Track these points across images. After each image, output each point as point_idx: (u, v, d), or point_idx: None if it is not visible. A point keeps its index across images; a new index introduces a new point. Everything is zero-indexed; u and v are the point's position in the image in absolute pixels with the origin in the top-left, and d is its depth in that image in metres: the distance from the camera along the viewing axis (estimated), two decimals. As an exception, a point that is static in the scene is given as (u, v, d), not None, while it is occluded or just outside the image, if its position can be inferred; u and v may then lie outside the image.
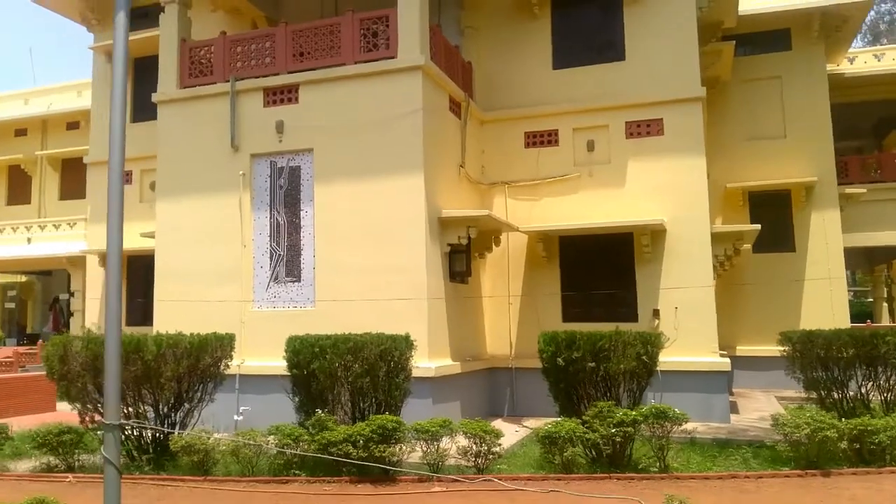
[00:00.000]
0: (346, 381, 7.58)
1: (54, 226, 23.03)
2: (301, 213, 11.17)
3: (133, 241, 15.61)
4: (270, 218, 11.35)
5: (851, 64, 20.21)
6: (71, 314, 22.05)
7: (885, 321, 22.49)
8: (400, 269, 10.37)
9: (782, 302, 16.60)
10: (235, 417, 10.45)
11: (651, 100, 12.31)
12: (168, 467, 7.50)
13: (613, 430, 7.12)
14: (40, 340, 22.16)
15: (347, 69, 11.03)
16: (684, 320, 11.69)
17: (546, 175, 12.83)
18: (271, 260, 11.29)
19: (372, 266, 10.53)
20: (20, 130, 27.06)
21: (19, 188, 27.13)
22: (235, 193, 11.46)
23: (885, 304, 22.85)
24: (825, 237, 17.05)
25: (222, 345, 7.78)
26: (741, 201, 17.39)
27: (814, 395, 10.40)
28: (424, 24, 10.84)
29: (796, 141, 17.28)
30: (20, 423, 9.60)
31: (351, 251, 10.68)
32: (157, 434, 7.72)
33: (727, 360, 11.70)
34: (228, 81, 11.64)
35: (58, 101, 26.85)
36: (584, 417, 7.38)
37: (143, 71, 16.33)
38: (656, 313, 11.93)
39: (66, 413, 14.03)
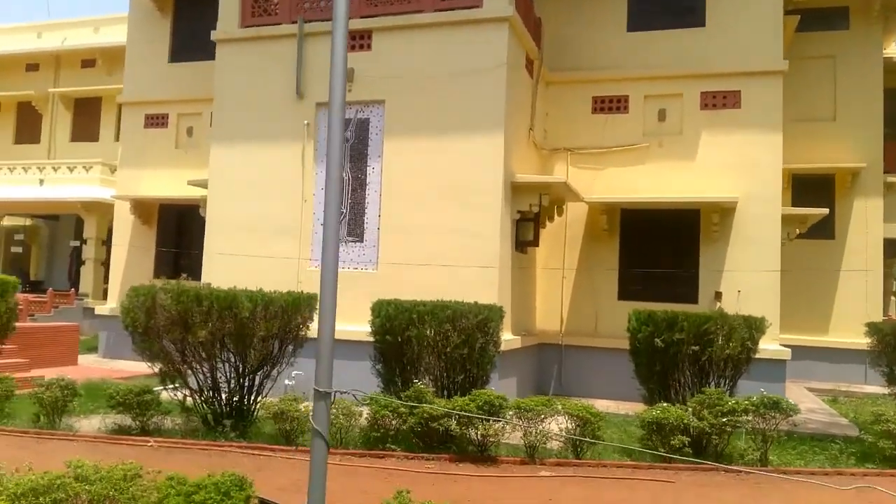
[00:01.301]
0: (444, 351, 7.14)
1: (69, 168, 22.21)
2: (368, 169, 10.61)
3: (166, 188, 15.02)
4: (333, 172, 10.76)
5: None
6: (82, 262, 21.43)
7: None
8: (471, 233, 9.89)
9: (817, 291, 16.28)
10: (286, 382, 10.01)
11: (730, 70, 11.78)
12: (250, 434, 7.07)
13: (724, 420, 6.76)
14: (49, 289, 21.50)
15: (426, 16, 10.37)
16: (746, 305, 11.27)
17: (613, 143, 12.31)
18: (332, 216, 10.73)
19: (441, 229, 10.04)
20: (32, 65, 25.96)
21: (28, 126, 26.12)
22: (298, 144, 10.85)
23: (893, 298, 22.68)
24: (866, 226, 16.70)
25: (310, 305, 7.30)
26: (784, 184, 16.88)
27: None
28: (512, -27, 10.19)
29: (846, 125, 16.77)
30: (47, 377, 9.10)
31: (419, 212, 10.17)
32: (234, 398, 7.26)
33: (787, 349, 11.40)
34: (295, 23, 10.94)
35: (73, 36, 25.75)
36: (689, 405, 6.99)
37: (183, 8, 15.57)
38: (718, 296, 11.57)
39: (89, 367, 13.63)
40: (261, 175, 10.98)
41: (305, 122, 10.80)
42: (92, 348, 16.16)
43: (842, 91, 16.83)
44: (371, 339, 8.07)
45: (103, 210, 21.06)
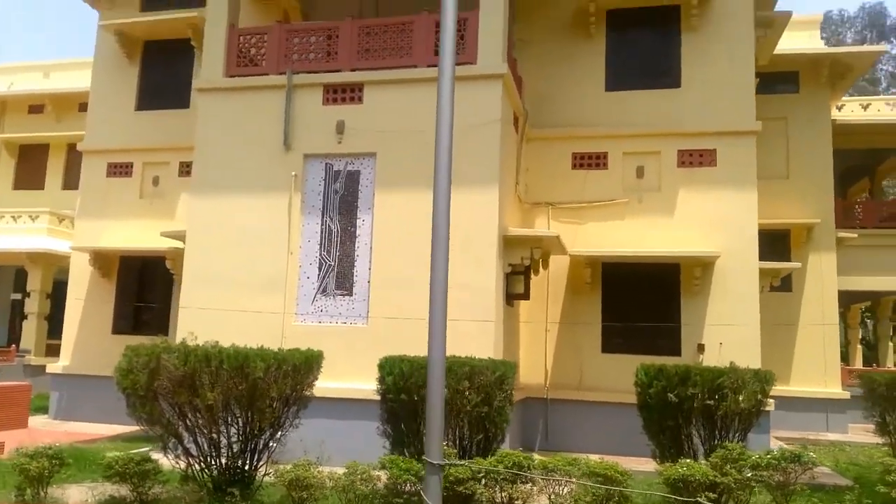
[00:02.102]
0: (464, 409, 6.90)
1: (13, 217, 21.13)
2: (357, 220, 10.41)
3: (128, 239, 14.42)
4: (322, 224, 10.53)
5: (839, 111, 20.90)
6: (24, 316, 20.27)
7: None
8: (466, 287, 9.73)
9: (778, 342, 16.64)
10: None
11: (705, 129, 12.18)
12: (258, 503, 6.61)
13: (749, 475, 6.71)
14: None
15: (420, 71, 10.40)
16: (728, 357, 11.38)
17: (593, 198, 12.49)
18: (320, 270, 10.45)
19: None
20: (-28, 110, 24.87)
21: (-36, 174, 24.85)
22: (284, 195, 10.59)
23: (859, 347, 23.59)
24: (821, 279, 17.37)
25: (318, 363, 6.97)
26: (745, 238, 17.56)
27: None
28: (505, 31, 10.36)
29: (799, 182, 17.56)
30: None
31: (411, 265, 9.97)
32: (238, 462, 6.81)
33: (772, 400, 11.55)
34: (281, 74, 10.81)
35: (21, 81, 24.90)
36: (710, 460, 6.93)
37: (152, 56, 15.25)
38: (701, 348, 11.72)
39: (41, 430, 12.67)
40: (243, 226, 10.64)
41: (293, 173, 10.57)
42: (39, 409, 15.11)
43: (794, 150, 17.68)
44: (374, 397, 7.77)
45: (49, 261, 20.11)
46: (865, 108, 22.13)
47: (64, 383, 14.50)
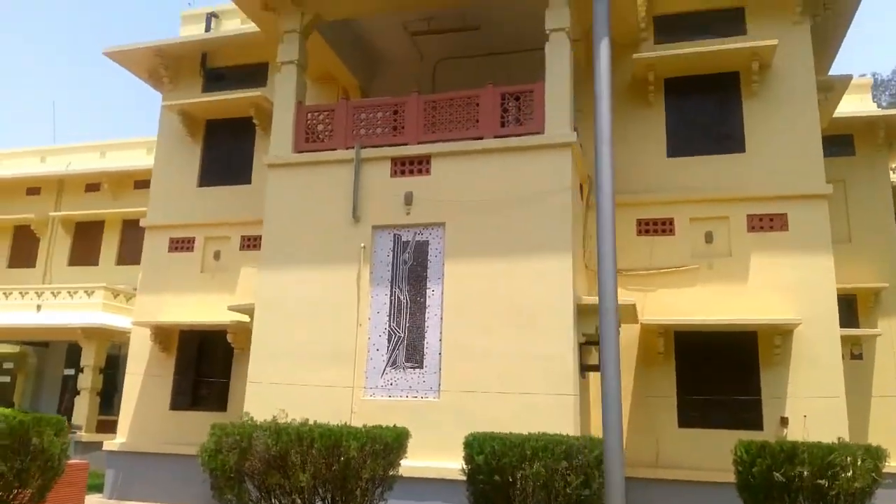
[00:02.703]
0: (563, 492, 6.52)
1: (69, 293, 21.48)
2: (427, 291, 10.27)
3: (188, 314, 14.43)
4: (391, 295, 10.41)
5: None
6: (77, 392, 20.30)
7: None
8: (543, 358, 9.47)
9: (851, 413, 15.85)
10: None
11: (773, 194, 11.92)
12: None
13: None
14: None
15: (487, 143, 10.44)
16: (814, 431, 10.87)
17: (661, 265, 12.20)
18: (389, 342, 10.27)
19: (509, 354, 9.61)
20: (33, 189, 25.79)
21: (25, 250, 25.53)
22: (353, 267, 10.53)
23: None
24: (893, 345, 16.62)
25: (405, 441, 6.70)
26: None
27: None
28: (571, 100, 10.40)
29: (862, 246, 17.06)
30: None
31: (484, 336, 9.76)
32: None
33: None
34: (349, 148, 10.94)
35: (78, 160, 25.82)
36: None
37: (213, 134, 15.64)
38: (784, 421, 11.14)
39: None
40: (312, 299, 10.56)
41: (362, 244, 10.53)
42: (92, 487, 14.87)
43: (854, 213, 17.24)
44: (452, 476, 7.46)
45: (104, 336, 20.30)
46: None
47: (120, 460, 14.31)
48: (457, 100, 10.83)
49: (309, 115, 11.49)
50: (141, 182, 25.02)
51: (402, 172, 10.73)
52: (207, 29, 16.39)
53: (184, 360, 14.55)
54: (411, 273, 10.40)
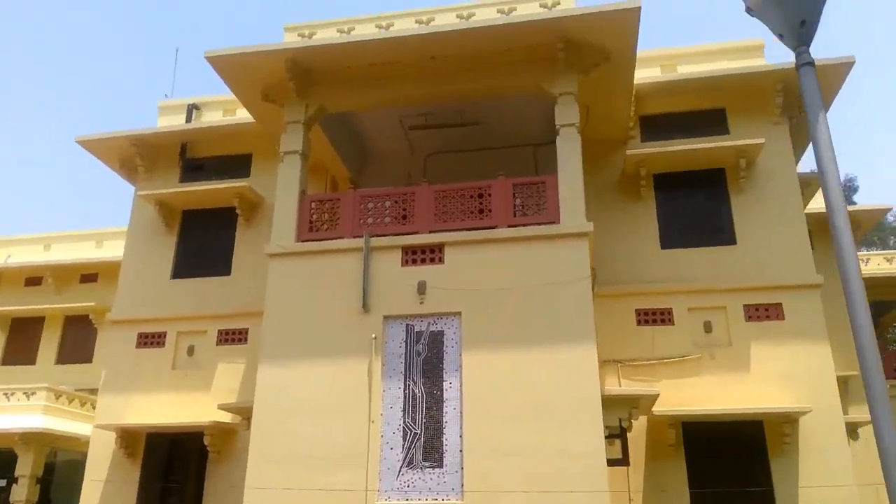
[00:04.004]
0: None
1: (5, 394, 19.66)
2: (444, 383, 9.81)
3: (158, 415, 13.38)
4: (405, 388, 9.89)
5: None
6: (10, 505, 18.26)
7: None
8: (572, 453, 9.06)
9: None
10: None
11: (767, 284, 12.22)
12: None
13: None
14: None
15: (501, 232, 10.36)
16: (828, 524, 10.74)
17: (662, 355, 12.17)
18: (405, 439, 9.66)
19: (536, 450, 9.16)
20: (-42, 285, 24.05)
21: (-54, 350, 23.52)
22: (362, 359, 10.02)
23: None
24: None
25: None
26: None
27: None
28: (582, 191, 10.51)
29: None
30: None
31: (508, 431, 9.31)
32: None
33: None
34: (356, 237, 10.65)
35: (18, 253, 24.44)
36: None
37: (191, 224, 15.10)
38: (799, 513, 10.94)
39: None
40: (319, 394, 9.93)
41: (373, 335, 10.07)
42: None
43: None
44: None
45: (43, 442, 18.56)
46: (866, 262, 22.91)
47: (72, 585, 12.73)
48: (468, 190, 10.80)
49: (313, 203, 11.21)
50: (88, 276, 23.85)
51: (414, 261, 10.47)
52: (188, 120, 16.11)
53: (151, 466, 13.34)
54: (426, 364, 9.96)
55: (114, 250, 23.81)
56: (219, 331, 13.96)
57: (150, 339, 14.21)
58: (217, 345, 13.88)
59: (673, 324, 12.39)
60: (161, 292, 14.50)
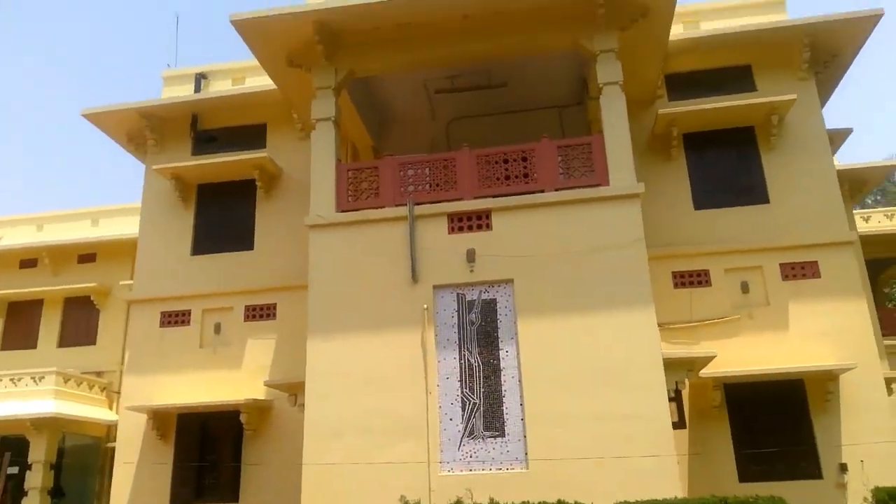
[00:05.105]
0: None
1: (12, 380, 19.17)
2: (500, 352, 9.67)
3: (188, 395, 13.13)
4: (460, 359, 9.74)
5: (866, 223, 21.76)
6: (24, 493, 17.90)
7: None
8: (636, 417, 9.02)
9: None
10: None
11: (802, 242, 12.20)
12: None
13: None
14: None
15: (549, 196, 10.16)
16: (872, 476, 10.86)
17: (701, 317, 12.14)
18: (463, 410, 9.53)
19: (598, 415, 9.09)
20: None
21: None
22: (415, 330, 9.83)
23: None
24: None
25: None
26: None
27: None
28: (630, 151, 10.33)
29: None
30: None
31: (570, 398, 9.23)
32: None
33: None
34: (399, 206, 10.39)
35: (11, 234, 23.67)
36: None
37: (208, 199, 14.66)
38: (843, 467, 11.09)
39: None
40: (371, 367, 9.74)
41: (424, 305, 9.87)
42: None
43: None
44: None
45: (56, 427, 18.16)
46: (867, 220, 23.13)
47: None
48: (511, 153, 10.56)
49: (349, 172, 10.89)
50: (86, 256, 23.21)
51: (461, 229, 10.24)
52: (197, 90, 15.56)
53: (184, 447, 13.10)
54: (480, 333, 9.80)
55: (110, 228, 23.25)
56: (245, 307, 13.66)
57: (175, 318, 13.87)
58: (245, 321, 13.59)
59: (710, 285, 12.35)
60: (182, 269, 14.12)
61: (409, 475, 9.16)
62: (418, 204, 10.38)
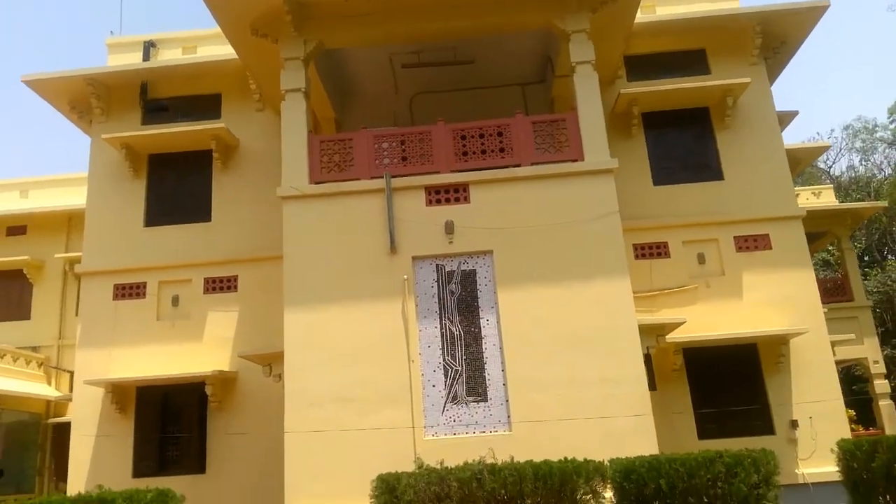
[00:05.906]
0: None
1: (-53, 356, 18.17)
2: (481, 321, 9.86)
3: (146, 368, 12.80)
4: (441, 328, 9.87)
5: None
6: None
7: None
8: (614, 381, 9.41)
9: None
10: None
11: (754, 217, 12.88)
12: None
13: None
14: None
15: (524, 170, 10.37)
16: (820, 431, 11.69)
17: (661, 286, 12.66)
18: (446, 377, 9.69)
19: (579, 380, 9.45)
20: None
21: None
22: (395, 300, 9.89)
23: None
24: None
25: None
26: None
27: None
28: (604, 127, 10.62)
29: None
30: None
31: (550, 363, 9.53)
32: None
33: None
34: (375, 178, 10.39)
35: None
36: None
37: (160, 169, 14.20)
38: (794, 424, 11.87)
39: None
40: (352, 337, 9.76)
41: (404, 276, 9.94)
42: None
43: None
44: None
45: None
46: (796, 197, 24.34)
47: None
48: (486, 128, 10.68)
49: (322, 144, 10.77)
50: (15, 228, 22.06)
51: (439, 201, 10.33)
52: (146, 58, 14.95)
53: (145, 420, 12.79)
54: (461, 303, 9.95)
55: (41, 200, 22.19)
56: (205, 279, 13.37)
57: (129, 290, 13.43)
58: (205, 293, 13.30)
59: (669, 257, 12.88)
60: (135, 241, 13.67)
61: (393, 440, 9.29)
62: (395, 177, 10.38)
